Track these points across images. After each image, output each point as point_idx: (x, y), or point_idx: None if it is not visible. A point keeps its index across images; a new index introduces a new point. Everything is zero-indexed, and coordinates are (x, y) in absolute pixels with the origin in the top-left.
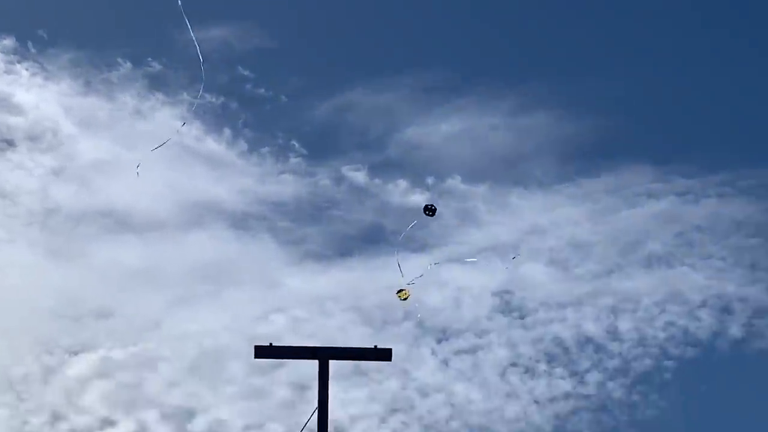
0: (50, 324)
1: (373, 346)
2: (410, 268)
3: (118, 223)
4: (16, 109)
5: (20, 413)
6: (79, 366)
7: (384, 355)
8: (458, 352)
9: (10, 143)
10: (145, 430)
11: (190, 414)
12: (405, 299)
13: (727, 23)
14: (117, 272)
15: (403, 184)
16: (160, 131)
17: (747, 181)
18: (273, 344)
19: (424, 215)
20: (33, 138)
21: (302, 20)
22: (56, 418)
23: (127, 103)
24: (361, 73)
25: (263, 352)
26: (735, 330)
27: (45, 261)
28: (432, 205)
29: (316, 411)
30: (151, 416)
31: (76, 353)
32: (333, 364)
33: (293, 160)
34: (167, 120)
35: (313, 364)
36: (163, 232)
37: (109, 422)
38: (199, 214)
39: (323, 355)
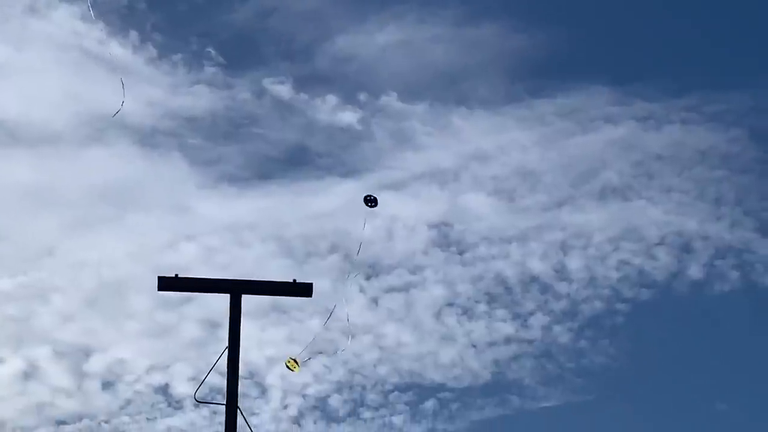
0: None
1: (291, 280)
2: (340, 193)
3: (8, 135)
4: None
5: None
6: None
7: (303, 290)
8: (389, 290)
9: None
10: (36, 370)
11: (86, 352)
12: (293, 369)
13: None
14: (5, 192)
15: (332, 100)
16: (57, 33)
17: (714, 107)
18: (179, 276)
19: (366, 206)
20: None
21: None
22: None
23: None
24: None
25: (168, 284)
26: (695, 271)
27: None
28: (372, 196)
29: (226, 351)
30: (42, 354)
31: None
32: (247, 300)
33: (209, 70)
34: (66, 19)
35: (224, 299)
36: (59, 147)
37: None
38: (101, 129)
39: (236, 288)
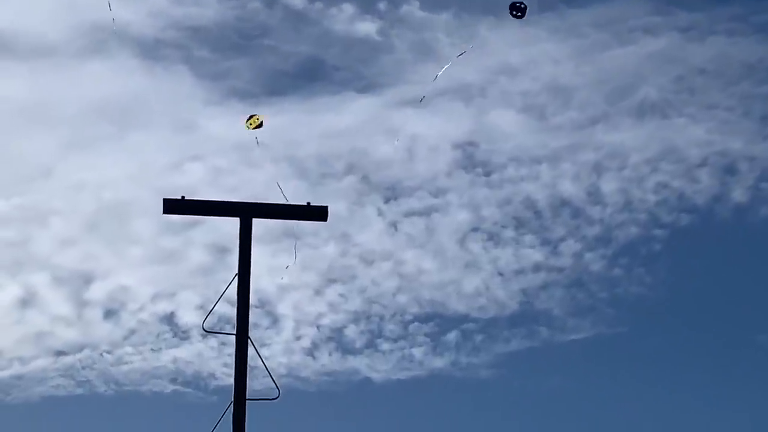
0: None
1: (305, 203)
2: (357, 109)
3: (2, 48)
4: None
5: None
6: None
7: (318, 213)
8: (409, 214)
9: None
10: (34, 296)
11: (86, 279)
12: (256, 126)
13: None
14: (1, 108)
15: (348, 9)
16: None
17: (762, 17)
18: (186, 198)
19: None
20: None
21: None
22: None
23: None
24: None
25: (174, 206)
26: (739, 194)
27: None
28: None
29: (236, 279)
30: (40, 280)
31: None
32: (258, 224)
33: None
34: None
35: (233, 223)
36: (56, 61)
37: None
38: (100, 40)
39: (245, 211)
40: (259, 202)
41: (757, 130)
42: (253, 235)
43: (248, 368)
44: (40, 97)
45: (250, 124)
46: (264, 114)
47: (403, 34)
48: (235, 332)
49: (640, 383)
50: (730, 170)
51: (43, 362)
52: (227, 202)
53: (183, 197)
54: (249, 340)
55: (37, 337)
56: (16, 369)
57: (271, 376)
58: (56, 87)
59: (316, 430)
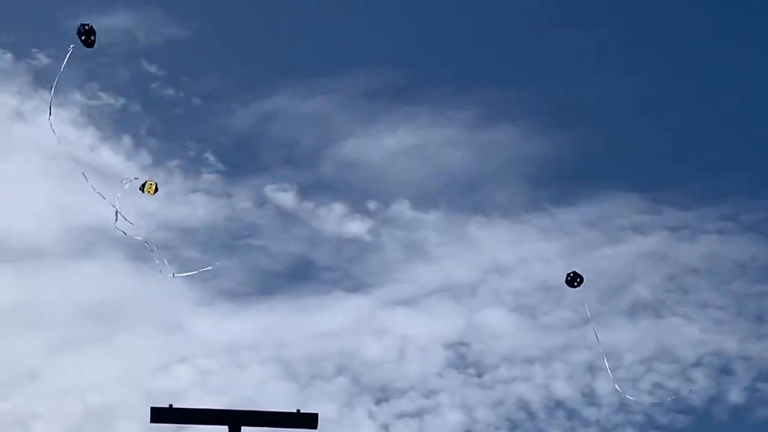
0: None
1: (295, 410)
2: (347, 309)
3: None
4: None
5: None
6: None
7: (308, 421)
8: (401, 416)
9: None
10: None
11: None
12: (151, 192)
13: (730, 27)
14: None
15: (339, 208)
16: (45, 139)
17: (752, 216)
18: (173, 406)
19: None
20: None
21: (219, 8)
22: None
23: (6, 102)
24: (289, 74)
25: (161, 415)
26: (735, 395)
27: None
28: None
29: None
30: None
31: None
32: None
33: (207, 177)
34: (55, 124)
35: (223, 430)
36: (45, 262)
37: None
38: (90, 242)
39: (234, 419)
40: (247, 409)
41: (752, 329)
42: None
43: None
44: (28, 299)
45: (148, 190)
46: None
47: (393, 233)
48: None
49: None
50: (725, 370)
51: None
52: (215, 410)
53: (170, 405)
54: None
55: None
56: None
57: None
58: (45, 289)
59: None
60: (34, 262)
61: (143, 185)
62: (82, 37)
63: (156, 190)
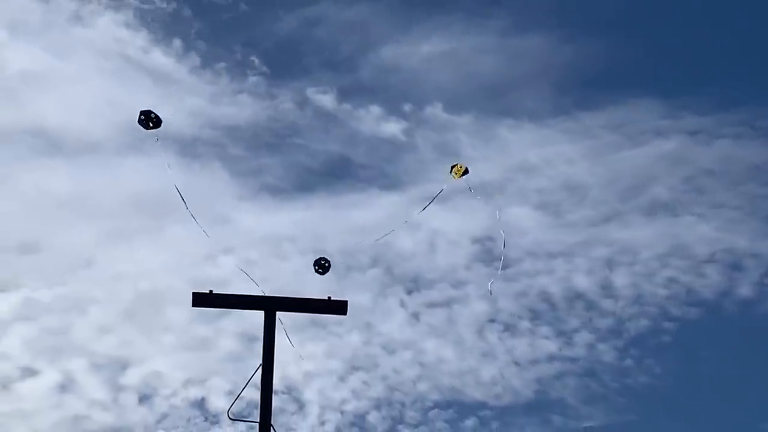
0: None
1: (326, 297)
2: (382, 206)
3: (48, 144)
4: None
5: None
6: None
7: (338, 307)
8: (431, 305)
9: None
10: (72, 382)
11: (122, 365)
12: (462, 175)
13: None
14: (44, 201)
15: (376, 110)
16: (101, 40)
17: (765, 121)
18: (213, 291)
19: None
20: None
21: None
22: None
23: (64, 5)
24: None
25: (202, 299)
26: (745, 289)
27: None
28: (324, 261)
29: (260, 369)
30: (78, 366)
31: None
32: (286, 316)
33: (252, 79)
34: (110, 27)
35: (259, 316)
36: (99, 157)
37: (31, 371)
38: (141, 138)
39: (269, 305)
40: (282, 296)
41: (763, 228)
42: (281, 326)
43: None
44: (82, 191)
45: (455, 173)
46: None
47: (427, 135)
48: (258, 420)
49: None
50: (736, 266)
51: None
52: (252, 296)
53: (211, 291)
54: (272, 428)
55: (75, 420)
56: None
57: None
58: (98, 181)
59: None
60: (88, 156)
61: (452, 167)
62: (147, 121)
63: (465, 172)
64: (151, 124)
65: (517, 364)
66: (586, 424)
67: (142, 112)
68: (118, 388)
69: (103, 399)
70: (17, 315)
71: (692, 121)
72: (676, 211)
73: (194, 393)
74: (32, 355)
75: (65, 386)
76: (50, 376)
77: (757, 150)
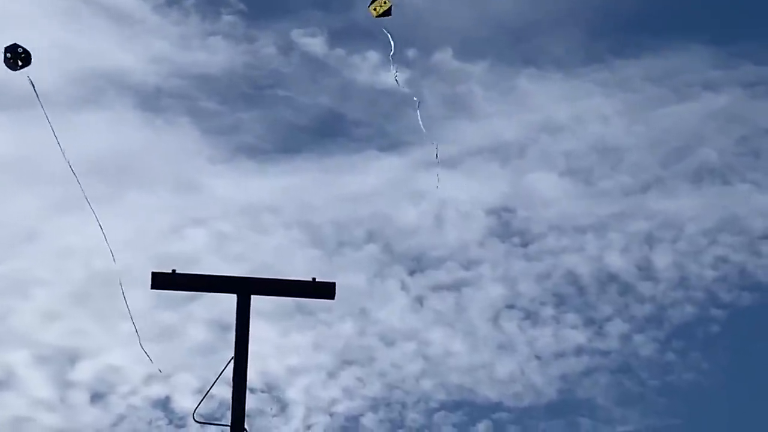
0: None
1: (311, 279)
2: (380, 170)
3: None
4: None
5: None
6: None
7: (325, 290)
8: (437, 288)
9: None
10: (13, 377)
11: (72, 358)
12: (380, 14)
13: None
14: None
15: (373, 57)
16: None
17: None
18: (177, 271)
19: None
20: None
21: None
22: None
23: None
24: None
25: (163, 281)
26: None
27: None
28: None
29: (231, 363)
30: (20, 358)
31: None
32: (264, 301)
33: (226, 19)
34: None
35: (233, 300)
36: (50, 110)
37: None
38: (97, 88)
39: (243, 288)
40: (258, 277)
41: None
42: (260, 312)
43: None
44: (26, 153)
45: (375, 9)
46: None
47: (434, 86)
48: (229, 423)
49: None
50: None
51: None
52: (222, 276)
53: (174, 271)
54: None
55: (15, 422)
56: None
57: None
58: (45, 141)
59: None
60: (33, 110)
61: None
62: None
63: (387, 12)
64: (20, 62)
65: (538, 358)
66: (620, 428)
67: (6, 49)
68: (66, 385)
69: (49, 398)
70: None
71: (749, 70)
72: (728, 179)
73: (156, 391)
74: None
75: (4, 383)
76: None
77: None
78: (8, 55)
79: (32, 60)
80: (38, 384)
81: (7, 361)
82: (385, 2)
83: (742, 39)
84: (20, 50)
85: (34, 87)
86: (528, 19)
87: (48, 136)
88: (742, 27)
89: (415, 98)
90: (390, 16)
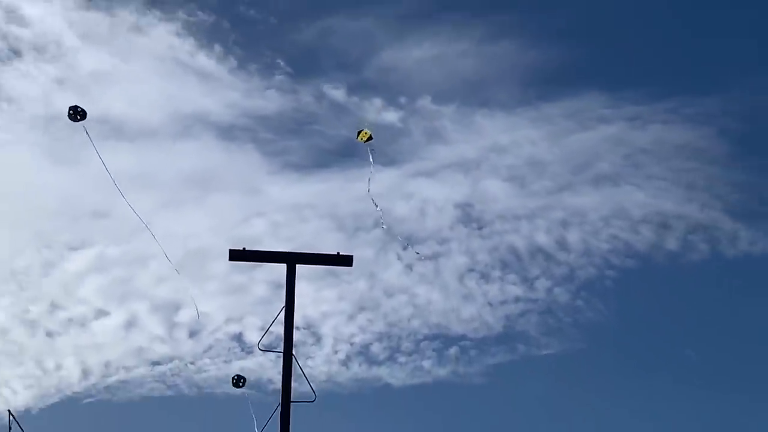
0: (50, 221)
1: (336, 253)
2: (383, 179)
3: (114, 130)
4: (22, 21)
5: (21, 301)
6: (77, 261)
7: (346, 261)
8: (421, 258)
9: (17, 53)
10: (136, 320)
11: (176, 307)
12: (366, 140)
13: None
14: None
15: (378, 102)
16: (156, 46)
17: (689, 109)
18: (246, 249)
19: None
20: (38, 49)
21: None
22: (55, 307)
23: (126, 18)
24: (343, 0)
25: (237, 255)
26: (672, 244)
27: (47, 163)
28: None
29: (283, 310)
30: (141, 308)
31: (74, 249)
32: (303, 268)
33: (278, 77)
34: (163, 36)
35: (284, 267)
36: (156, 140)
37: (104, 313)
38: (189, 125)
39: (291, 259)
40: (300, 252)
41: (685, 195)
42: (302, 275)
43: (294, 377)
44: (143, 169)
45: (361, 137)
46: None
47: (418, 122)
48: (282, 351)
49: (595, 388)
50: (665, 226)
51: (142, 371)
52: (277, 252)
53: (244, 248)
54: (293, 357)
55: (138, 351)
56: (122, 375)
57: (309, 384)
58: (156, 160)
59: (347, 425)
60: (147, 139)
61: (359, 132)
62: (75, 115)
63: (369, 138)
64: (78, 117)
65: (490, 304)
66: (545, 351)
67: (70, 108)
68: (172, 326)
69: (161, 334)
70: (92, 267)
71: (630, 109)
72: (617, 182)
73: (233, 329)
74: (104, 300)
75: (131, 324)
76: (119, 316)
77: (681, 133)
78: (71, 111)
79: (87, 116)
80: (154, 325)
81: (134, 309)
82: (366, 133)
83: (625, 86)
84: (79, 109)
85: (88, 133)
86: (481, 75)
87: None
88: (625, 78)
89: (378, 208)
90: (372, 140)
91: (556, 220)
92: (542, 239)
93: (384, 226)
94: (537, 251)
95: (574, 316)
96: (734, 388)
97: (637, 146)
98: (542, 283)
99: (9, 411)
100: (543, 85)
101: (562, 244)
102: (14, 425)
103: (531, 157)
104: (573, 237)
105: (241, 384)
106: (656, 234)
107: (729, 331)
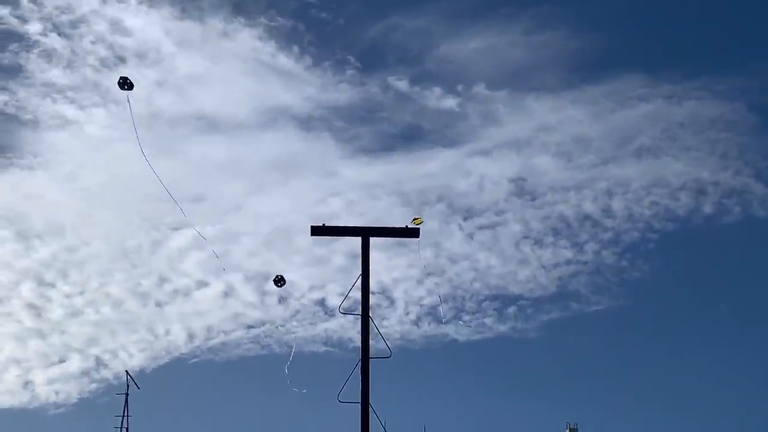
0: (156, 206)
1: (404, 226)
2: (444, 159)
3: (208, 125)
4: (125, 32)
5: (133, 277)
6: (179, 239)
7: (413, 233)
8: (481, 228)
9: (122, 59)
10: (232, 290)
11: (266, 277)
12: (418, 224)
13: None
14: (207, 165)
15: (437, 91)
16: (242, 49)
17: (721, 87)
18: (325, 224)
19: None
20: (140, 55)
21: None
22: (163, 280)
23: (216, 25)
24: (403, 1)
25: (317, 230)
26: (708, 208)
27: (151, 156)
28: (280, 277)
29: (360, 278)
30: (236, 279)
31: (176, 229)
32: (375, 240)
33: (349, 72)
34: (248, 40)
35: (359, 240)
36: (244, 132)
37: (204, 283)
38: (272, 117)
39: (365, 233)
40: (373, 226)
41: (719, 163)
42: (375, 246)
43: (371, 336)
44: (234, 157)
45: (415, 222)
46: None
47: (475, 107)
48: (360, 313)
49: (642, 340)
50: (701, 192)
51: (239, 333)
52: (353, 227)
53: (323, 224)
54: (370, 319)
55: (235, 316)
56: (222, 338)
57: (385, 342)
58: (245, 150)
59: (420, 377)
60: (237, 131)
61: (414, 219)
62: (124, 84)
63: (420, 222)
64: (125, 87)
65: (544, 267)
66: (594, 308)
67: (120, 77)
68: (263, 293)
69: (254, 301)
70: (192, 245)
71: (667, 88)
72: (657, 154)
73: (316, 295)
74: (204, 272)
75: (227, 293)
76: (217, 287)
77: (714, 108)
78: (120, 81)
79: (134, 88)
80: (247, 293)
81: (229, 280)
82: (417, 219)
83: (662, 67)
84: (128, 81)
85: (129, 105)
86: (530, 63)
87: (246, 147)
88: (662, 60)
89: (439, 296)
90: (423, 222)
91: (602, 190)
92: (589, 207)
93: (428, 271)
94: (585, 218)
95: (620, 276)
96: (764, 339)
97: (674, 121)
98: (590, 247)
99: (126, 371)
100: (585, 69)
101: (608, 211)
102: (131, 383)
103: (577, 134)
104: (617, 205)
105: (280, 285)
106: (693, 199)
107: (760, 286)
